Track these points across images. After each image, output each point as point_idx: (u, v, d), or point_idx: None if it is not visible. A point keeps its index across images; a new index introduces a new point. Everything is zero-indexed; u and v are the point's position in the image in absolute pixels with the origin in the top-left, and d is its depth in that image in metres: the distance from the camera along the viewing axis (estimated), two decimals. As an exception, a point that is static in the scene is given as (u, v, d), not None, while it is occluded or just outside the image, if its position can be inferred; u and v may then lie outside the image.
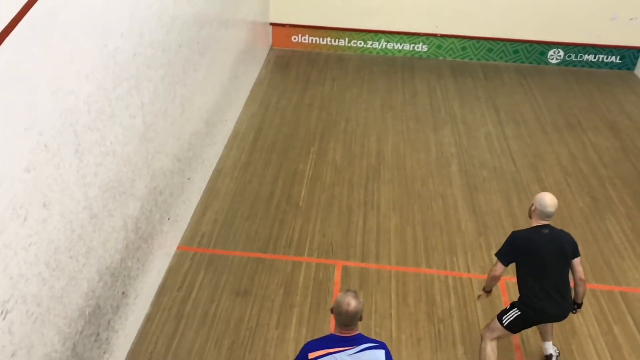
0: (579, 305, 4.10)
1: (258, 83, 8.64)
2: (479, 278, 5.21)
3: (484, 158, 7.05)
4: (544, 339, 4.42)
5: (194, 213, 5.83)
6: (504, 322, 4.03)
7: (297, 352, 3.14)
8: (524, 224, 5.90)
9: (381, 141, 7.32)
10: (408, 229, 5.80)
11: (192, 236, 5.55)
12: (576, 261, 3.97)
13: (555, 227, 4.00)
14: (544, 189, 6.43)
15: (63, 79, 3.08)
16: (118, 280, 3.99)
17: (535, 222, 3.99)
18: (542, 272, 3.88)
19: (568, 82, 9.15)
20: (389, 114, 7.97)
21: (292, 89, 8.56)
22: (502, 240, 5.68)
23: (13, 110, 2.68)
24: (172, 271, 5.13)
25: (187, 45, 5.20)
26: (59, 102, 3.05)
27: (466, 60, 9.77)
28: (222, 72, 6.68)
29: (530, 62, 9.69)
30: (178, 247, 5.38)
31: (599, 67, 9.62)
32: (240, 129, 7.42)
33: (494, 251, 5.50)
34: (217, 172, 6.51)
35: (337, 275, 5.20)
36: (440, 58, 9.80)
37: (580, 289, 4.01)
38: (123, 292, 4.11)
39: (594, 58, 9.57)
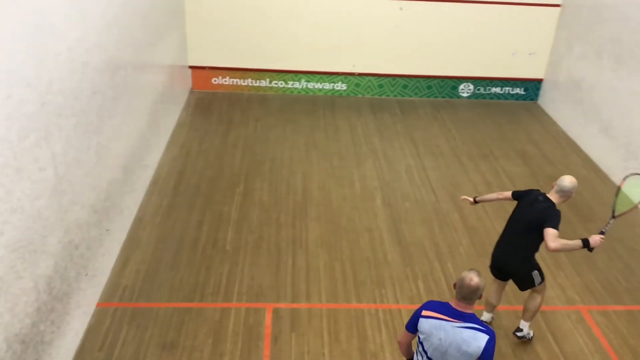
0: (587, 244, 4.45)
1: (179, 126, 8.52)
2: (408, 308, 5.29)
3: (405, 190, 7.26)
4: (523, 317, 4.93)
5: (114, 266, 5.56)
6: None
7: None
8: (446, 252, 6.12)
9: (307, 179, 7.38)
10: (337, 265, 5.83)
11: (112, 290, 5.28)
12: (545, 229, 4.33)
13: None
14: (463, 217, 6.70)
15: (-41, 135, 2.89)
16: (29, 347, 3.70)
17: (552, 196, 4.51)
18: (509, 223, 4.71)
19: (479, 114, 9.69)
20: (313, 152, 8.08)
21: (214, 130, 8.50)
22: (427, 269, 5.89)
23: None
24: (91, 331, 4.83)
25: (101, 91, 5.06)
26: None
27: (383, 97, 10.14)
28: (140, 117, 6.54)
29: (443, 97, 10.20)
30: (98, 304, 5.09)
31: (506, 98, 10.28)
32: (161, 173, 7.24)
33: (420, 282, 5.67)
34: (138, 221, 6.29)
35: (268, 318, 5.10)
36: (359, 96, 10.12)
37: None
38: None
39: (501, 90, 10.22)
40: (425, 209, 6.88)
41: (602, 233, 4.41)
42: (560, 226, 4.33)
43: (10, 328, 3.45)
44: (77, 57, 4.48)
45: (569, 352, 4.92)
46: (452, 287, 3.49)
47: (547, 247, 4.30)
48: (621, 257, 6.18)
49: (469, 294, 3.22)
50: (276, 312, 5.18)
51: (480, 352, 3.17)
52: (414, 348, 3.59)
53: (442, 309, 3.32)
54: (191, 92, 9.84)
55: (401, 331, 3.64)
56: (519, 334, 4.94)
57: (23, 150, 3.61)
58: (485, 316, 5.08)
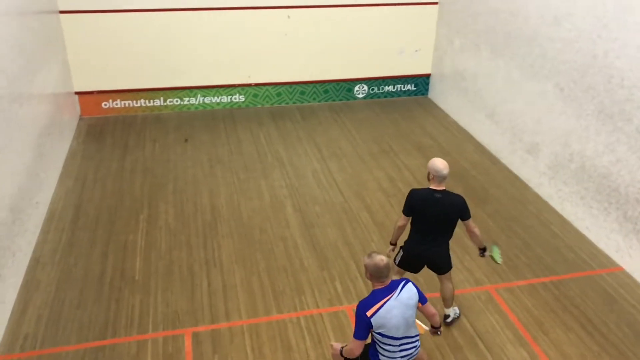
0: (483, 250, 4.97)
1: (70, 157, 8.04)
2: (328, 311, 5.33)
3: (314, 194, 7.33)
4: (445, 305, 5.17)
5: (11, 314, 5.12)
6: (396, 261, 4.96)
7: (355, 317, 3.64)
8: (360, 251, 6.24)
9: (213, 196, 7.23)
10: (254, 279, 5.75)
11: (12, 341, 4.85)
12: (467, 222, 4.71)
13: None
14: (371, 214, 6.88)
15: None
16: None
17: (433, 186, 4.64)
18: (422, 225, 4.73)
19: (375, 112, 10.01)
20: (217, 167, 7.93)
21: (109, 157, 8.10)
22: (343, 270, 5.97)
23: None
24: (-8, 388, 4.42)
25: (-27, 129, 4.65)
26: None
27: (283, 104, 10.18)
28: (23, 153, 6.08)
29: (340, 99, 10.44)
30: (-4, 359, 4.68)
31: (399, 95, 10.70)
32: (56, 209, 6.78)
33: (338, 283, 5.74)
34: (35, 262, 5.84)
35: (188, 344, 4.93)
36: (259, 106, 10.09)
37: (476, 240, 4.85)
38: None
39: (394, 88, 10.63)
40: (335, 211, 6.98)
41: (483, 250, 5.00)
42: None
43: None
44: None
45: (482, 330, 5.19)
46: (367, 278, 3.77)
47: (474, 234, 4.78)
48: (518, 234, 6.61)
49: (385, 272, 3.64)
50: (196, 337, 5.01)
51: (417, 293, 3.77)
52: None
53: (376, 297, 3.65)
54: (80, 118, 9.33)
55: (351, 346, 3.72)
56: (448, 320, 5.16)
57: None
58: None
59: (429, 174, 4.67)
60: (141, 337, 4.97)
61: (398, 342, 3.76)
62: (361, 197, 7.27)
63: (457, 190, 7.35)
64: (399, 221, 4.83)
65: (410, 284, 3.79)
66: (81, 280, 5.63)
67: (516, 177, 7.84)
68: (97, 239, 6.26)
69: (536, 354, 4.93)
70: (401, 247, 4.98)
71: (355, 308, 3.70)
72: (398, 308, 3.67)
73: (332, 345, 4.01)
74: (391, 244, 5.02)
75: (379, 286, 3.69)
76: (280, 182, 7.61)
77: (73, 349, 4.82)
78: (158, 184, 7.46)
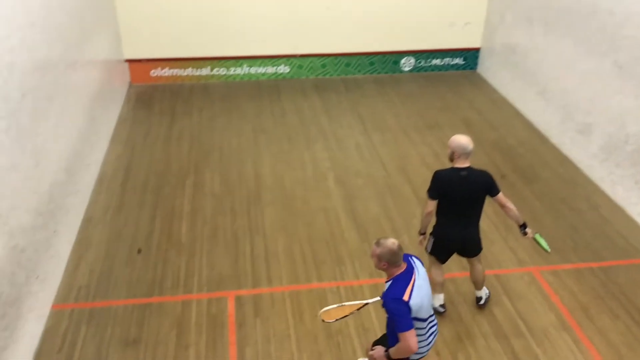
0: (523, 227, 4.67)
1: (121, 122, 8.26)
2: (368, 283, 5.37)
3: (356, 167, 7.33)
4: (477, 288, 5.06)
5: (65, 267, 5.39)
6: (428, 250, 4.78)
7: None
8: (401, 224, 6.23)
9: (257, 165, 7.33)
10: (295, 248, 5.84)
11: (67, 292, 5.12)
12: (497, 197, 4.49)
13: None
14: (414, 189, 6.84)
15: None
16: (-18, 358, 3.56)
17: (457, 164, 4.41)
18: (450, 207, 4.50)
19: (421, 86, 9.85)
20: (261, 137, 8.01)
21: (158, 123, 8.29)
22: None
23: None
24: (48, 333, 4.68)
25: (32, 93, 4.83)
26: None
27: (327, 76, 10.14)
28: (77, 117, 6.29)
29: (386, 72, 10.30)
30: (53, 306, 4.94)
31: (447, 69, 10.48)
32: (106, 172, 7.02)
33: (378, 255, 5.73)
34: (87, 221, 6.09)
35: (231, 306, 5.08)
36: (303, 77, 10.08)
37: (512, 214, 4.58)
38: (-10, 371, 3.67)
39: (441, 62, 10.41)
40: (377, 184, 6.97)
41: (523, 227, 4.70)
42: (505, 189, 4.54)
43: (-41, 342, 3.31)
44: (0, 58, 4.25)
45: (523, 312, 5.11)
46: (381, 269, 3.48)
47: (508, 209, 4.53)
48: (565, 217, 6.44)
49: (401, 254, 3.45)
50: (238, 300, 5.15)
51: (422, 264, 3.66)
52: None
53: (402, 281, 3.42)
54: (130, 86, 9.55)
55: (402, 344, 3.37)
56: (482, 302, 5.08)
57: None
58: (440, 298, 4.99)
59: (452, 152, 4.39)
60: (186, 297, 5.15)
61: (425, 323, 3.59)
62: (404, 172, 7.23)
63: (505, 169, 7.22)
64: (426, 207, 4.54)
65: (412, 257, 3.63)
66: (130, 240, 5.85)
67: (566, 158, 7.61)
68: (146, 202, 6.47)
69: (580, 340, 4.82)
70: (431, 234, 4.75)
71: (385, 305, 3.40)
72: (424, 285, 3.52)
73: (371, 356, 3.66)
74: (421, 233, 4.75)
75: (398, 271, 3.46)
76: (323, 153, 7.64)
77: (122, 303, 5.04)
78: (204, 151, 7.61)
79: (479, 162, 7.44)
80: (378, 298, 3.56)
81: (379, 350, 3.60)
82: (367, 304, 3.66)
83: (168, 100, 9.07)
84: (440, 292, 4.98)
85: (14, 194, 4.29)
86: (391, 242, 3.38)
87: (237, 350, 4.62)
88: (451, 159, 4.46)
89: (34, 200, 4.71)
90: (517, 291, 5.35)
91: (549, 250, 4.78)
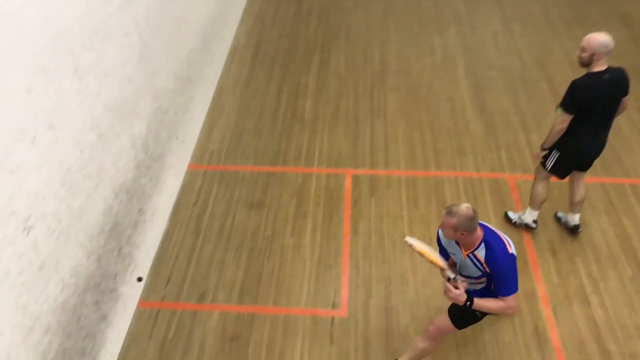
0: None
1: (252, -4, 8.32)
2: (489, 177, 5.24)
3: (490, 58, 6.87)
4: (574, 211, 4.65)
5: (200, 131, 5.81)
6: (547, 166, 4.38)
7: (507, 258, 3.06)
8: (532, 122, 5.88)
9: (384, 48, 7.12)
10: (416, 134, 5.77)
11: (201, 154, 5.57)
12: (625, 98, 4.09)
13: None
14: (552, 86, 6.32)
15: (52, -5, 2.95)
16: (133, 198, 4.05)
17: (597, 67, 3.92)
18: (592, 117, 4.05)
19: (577, -28, 8.71)
20: (390, 19, 7.70)
21: (287, 0, 8.23)
22: (511, 140, 5.70)
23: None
24: (185, 189, 5.20)
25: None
26: (49, 21, 2.94)
27: (469, -44, 9.26)
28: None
29: (537, -46, 9.18)
30: (189, 166, 5.42)
31: (610, -46, 9.10)
32: (238, 44, 7.22)
33: (503, 152, 5.54)
34: (220, 90, 6.42)
35: (348, 183, 5.24)
36: (442, -44, 9.30)
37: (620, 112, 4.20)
38: (140, 210, 4.18)
39: (604, -55, 9.03)
40: (511, 77, 6.52)
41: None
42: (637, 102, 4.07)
43: (116, 180, 3.77)
44: None
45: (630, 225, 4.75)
46: (458, 239, 3.07)
47: (625, 109, 4.19)
48: None
49: (477, 217, 3.02)
50: (355, 178, 5.30)
51: None
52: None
53: (493, 236, 3.11)
54: (263, -41, 9.44)
55: (513, 300, 3.05)
56: (579, 229, 4.69)
57: (109, 14, 3.66)
58: (534, 214, 4.69)
59: (592, 54, 3.86)
60: (307, 170, 5.39)
61: None
62: (543, 67, 6.66)
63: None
64: (560, 122, 4.07)
65: None
66: (258, 111, 6.11)
67: None
68: (273, 77, 6.63)
69: None
70: (556, 148, 4.28)
71: (495, 267, 3.03)
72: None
73: (449, 291, 3.11)
74: (544, 149, 4.32)
75: (479, 234, 3.05)
76: (455, 40, 7.21)
77: (249, 169, 5.41)
78: (331, 30, 7.50)
79: (633, 63, 6.63)
80: (455, 276, 3.16)
81: (461, 292, 3.10)
82: (442, 269, 3.23)
83: (299, -24, 8.88)
84: (538, 209, 4.66)
85: (158, 56, 4.57)
86: (465, 207, 2.97)
87: (351, 224, 4.84)
88: (587, 63, 3.94)
89: (174, 64, 5.00)
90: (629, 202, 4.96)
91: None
